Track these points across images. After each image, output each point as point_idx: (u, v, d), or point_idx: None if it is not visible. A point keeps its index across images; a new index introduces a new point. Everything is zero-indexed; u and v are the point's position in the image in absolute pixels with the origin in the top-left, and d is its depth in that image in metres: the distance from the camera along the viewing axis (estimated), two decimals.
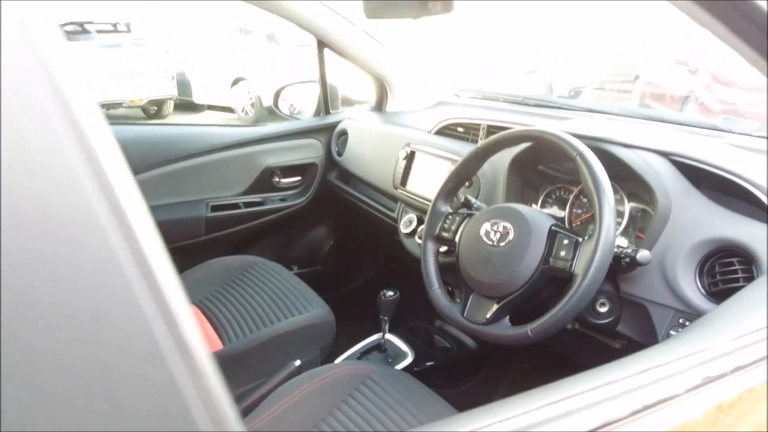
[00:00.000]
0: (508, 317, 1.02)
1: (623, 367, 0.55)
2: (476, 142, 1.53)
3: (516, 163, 1.28)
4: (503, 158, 1.27)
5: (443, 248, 1.21)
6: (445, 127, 1.65)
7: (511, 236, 1.03)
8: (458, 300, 1.14)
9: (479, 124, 1.54)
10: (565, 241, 0.98)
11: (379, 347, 1.58)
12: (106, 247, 0.27)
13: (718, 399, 0.54)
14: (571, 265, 0.96)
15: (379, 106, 2.03)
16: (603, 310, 1.08)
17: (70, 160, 0.27)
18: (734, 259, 0.93)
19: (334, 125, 2.02)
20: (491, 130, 1.50)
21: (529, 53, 7.69)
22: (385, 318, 1.51)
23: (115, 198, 0.28)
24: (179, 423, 0.29)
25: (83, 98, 0.28)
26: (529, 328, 0.95)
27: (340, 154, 1.97)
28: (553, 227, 1.02)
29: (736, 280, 0.92)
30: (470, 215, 1.15)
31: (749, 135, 1.25)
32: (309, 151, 2.01)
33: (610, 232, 0.92)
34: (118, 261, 0.28)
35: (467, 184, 1.27)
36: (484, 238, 1.06)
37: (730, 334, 0.61)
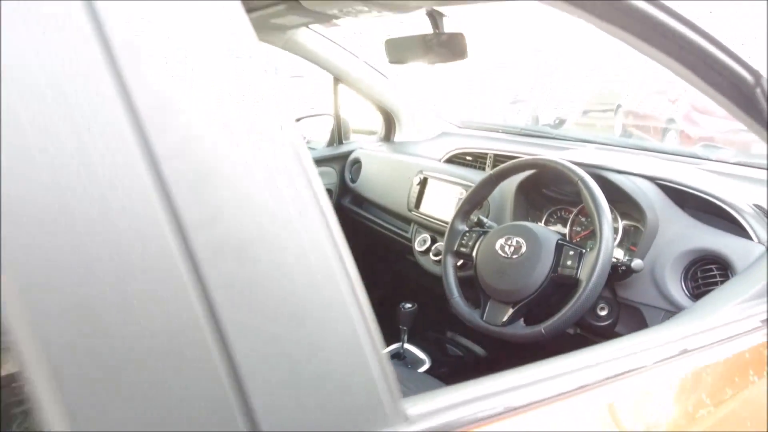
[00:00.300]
0: (522, 319, 1.18)
1: (617, 343, 0.70)
2: (484, 169, 1.70)
3: (522, 187, 1.45)
4: (510, 183, 1.44)
5: (460, 262, 1.37)
6: (454, 156, 1.82)
7: (523, 249, 1.19)
8: (474, 307, 1.30)
9: (486, 153, 1.71)
10: (571, 252, 1.15)
11: (399, 355, 1.71)
12: (321, 245, 0.42)
13: (694, 366, 0.70)
14: (576, 273, 1.12)
15: (388, 137, 2.20)
16: (603, 313, 1.24)
17: (295, 178, 0.42)
18: (713, 266, 1.10)
19: (346, 154, 2.19)
20: (498, 158, 1.67)
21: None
22: (404, 328, 1.65)
23: (320, 204, 0.43)
24: (361, 370, 0.44)
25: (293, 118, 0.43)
26: (542, 327, 1.11)
27: (353, 180, 2.13)
28: (559, 241, 1.19)
29: (715, 283, 1.09)
30: (485, 233, 1.32)
31: (725, 162, 1.44)
32: (324, 178, 2.16)
33: (609, 244, 1.09)
34: (327, 253, 0.42)
35: (479, 206, 1.44)
36: (500, 252, 1.22)
37: (705, 320, 0.78)
